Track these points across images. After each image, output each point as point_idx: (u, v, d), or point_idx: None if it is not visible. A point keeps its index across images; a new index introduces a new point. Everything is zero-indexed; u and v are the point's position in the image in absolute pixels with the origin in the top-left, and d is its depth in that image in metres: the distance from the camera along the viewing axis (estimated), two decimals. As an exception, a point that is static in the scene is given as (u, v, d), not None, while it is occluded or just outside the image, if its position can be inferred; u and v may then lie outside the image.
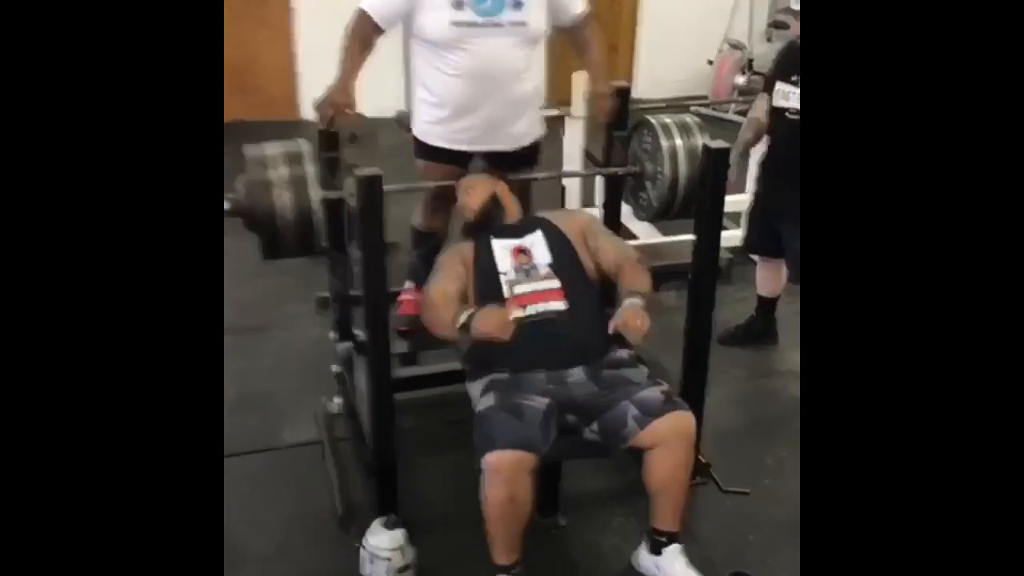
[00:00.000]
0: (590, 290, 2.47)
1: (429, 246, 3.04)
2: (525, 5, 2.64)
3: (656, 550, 2.25)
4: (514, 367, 2.29)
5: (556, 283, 2.40)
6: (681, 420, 2.18)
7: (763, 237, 3.25)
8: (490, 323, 2.19)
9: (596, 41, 2.88)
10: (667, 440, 2.16)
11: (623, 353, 2.37)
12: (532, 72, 2.81)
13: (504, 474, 2.06)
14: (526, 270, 2.43)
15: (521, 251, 2.47)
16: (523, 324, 2.27)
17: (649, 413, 2.15)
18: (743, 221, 4.12)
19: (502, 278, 2.41)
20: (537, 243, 2.49)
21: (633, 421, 2.15)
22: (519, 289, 2.38)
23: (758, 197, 3.30)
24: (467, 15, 2.60)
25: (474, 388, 2.33)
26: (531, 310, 2.33)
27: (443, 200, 2.96)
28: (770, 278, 3.37)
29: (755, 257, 3.49)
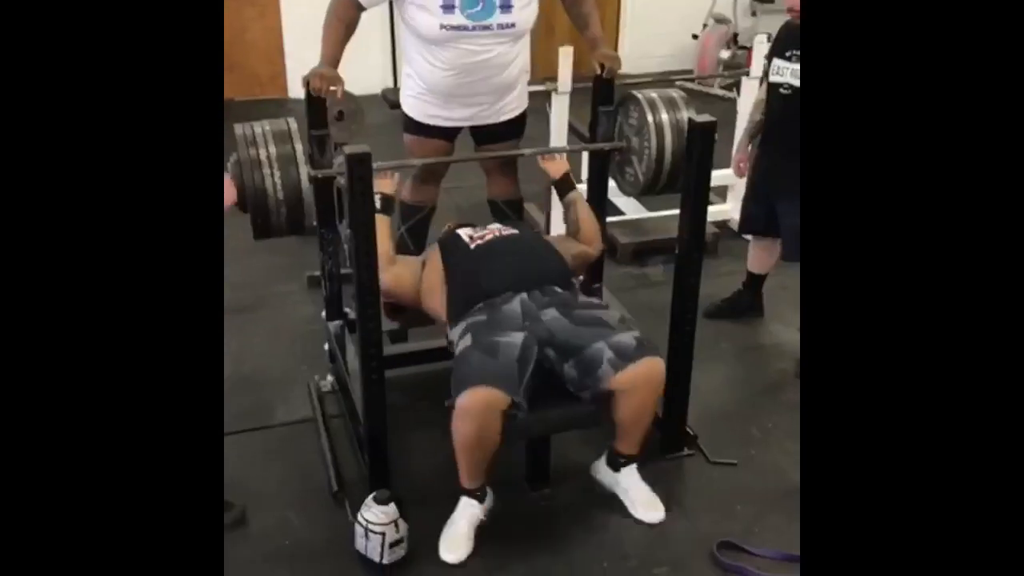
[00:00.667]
0: (548, 243, 2.71)
1: (417, 220, 3.07)
2: (515, 6, 2.64)
3: (615, 467, 2.47)
4: (486, 290, 2.42)
5: (511, 228, 2.69)
6: (653, 367, 2.30)
7: (760, 216, 3.25)
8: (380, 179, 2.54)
9: (595, 15, 2.90)
10: (639, 386, 2.28)
11: (593, 299, 2.56)
12: (518, 60, 2.83)
13: (472, 413, 2.17)
14: (484, 229, 2.69)
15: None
16: (481, 248, 2.54)
17: (624, 357, 2.26)
18: (728, 196, 4.16)
19: (465, 238, 2.62)
20: (495, 226, 2.73)
21: (608, 364, 2.25)
22: (477, 235, 2.62)
23: (753, 175, 3.30)
24: (457, 19, 2.61)
25: (454, 333, 2.41)
26: (487, 238, 2.59)
27: (431, 173, 2.98)
28: (763, 256, 3.38)
29: (747, 236, 3.50)
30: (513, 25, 2.69)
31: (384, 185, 2.55)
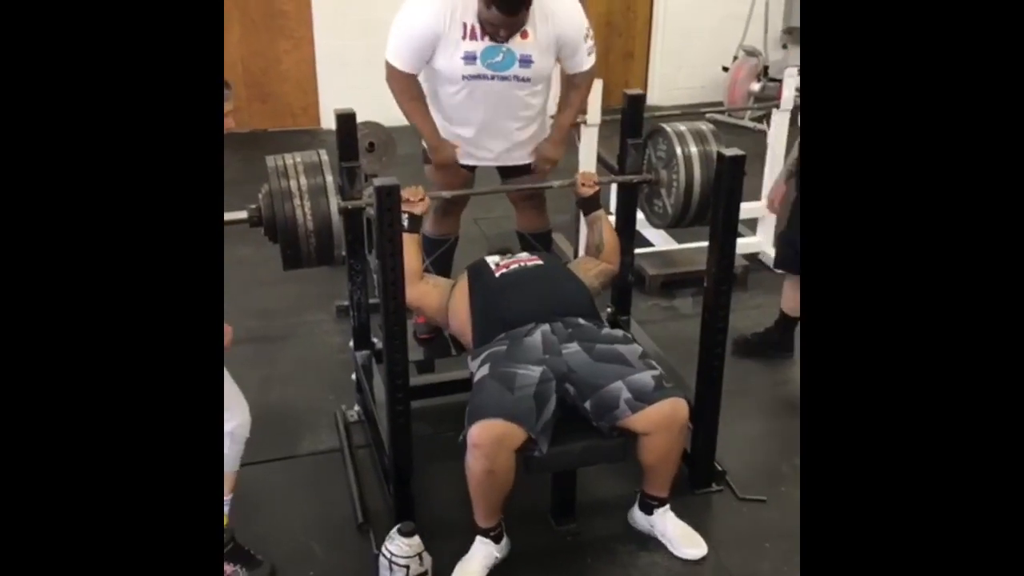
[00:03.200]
0: (572, 273, 2.68)
1: (442, 252, 3.07)
2: (535, 63, 2.70)
3: (648, 511, 2.47)
4: (508, 320, 2.42)
5: (536, 258, 2.68)
6: (675, 408, 2.27)
7: (790, 253, 3.20)
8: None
9: (574, 108, 2.94)
10: (660, 427, 2.26)
11: (616, 331, 2.51)
12: (535, 104, 2.87)
13: (483, 449, 2.16)
14: (510, 258, 2.69)
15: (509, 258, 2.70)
16: (506, 277, 2.55)
17: (641, 398, 2.24)
18: (758, 229, 4.14)
19: (491, 265, 2.62)
20: (523, 255, 2.73)
21: (625, 404, 2.23)
22: (503, 263, 2.62)
23: (789, 211, 3.28)
24: (477, 69, 2.70)
25: (474, 364, 2.42)
26: (512, 267, 2.59)
27: (452, 204, 2.99)
28: (793, 296, 3.29)
29: (780, 271, 3.46)
30: (529, 79, 2.77)
31: (413, 206, 2.55)
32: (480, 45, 2.64)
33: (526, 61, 2.70)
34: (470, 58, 2.66)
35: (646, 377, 2.28)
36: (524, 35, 2.64)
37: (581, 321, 2.46)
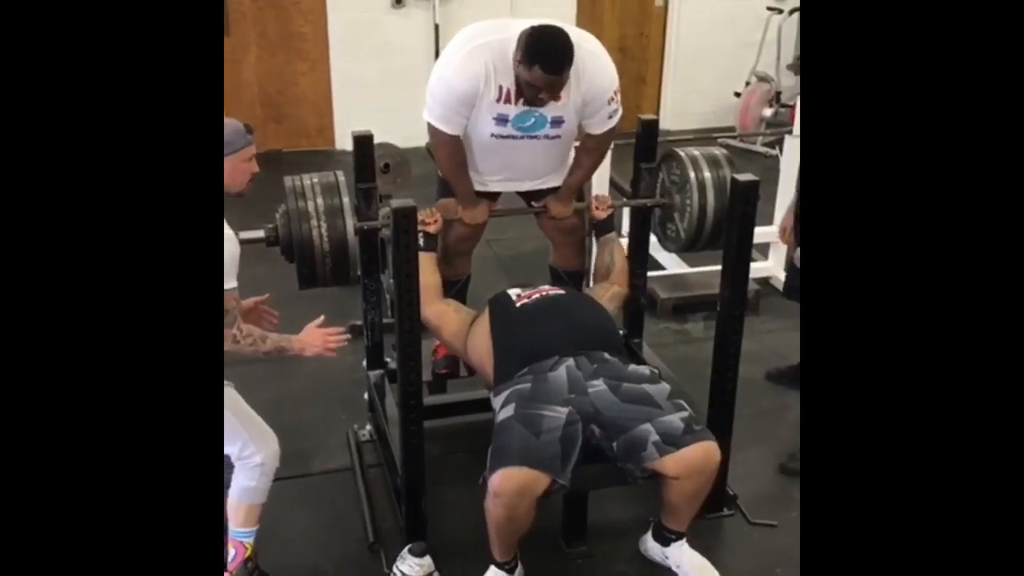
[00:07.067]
0: (594, 301, 2.66)
1: (452, 293, 2.99)
2: (565, 123, 2.63)
3: (664, 543, 2.43)
4: (532, 353, 2.38)
5: (558, 288, 2.68)
6: (707, 453, 2.23)
7: (797, 280, 3.21)
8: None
9: (584, 171, 2.82)
10: (692, 472, 2.22)
11: (644, 369, 2.45)
12: (563, 151, 2.80)
13: (504, 499, 2.13)
14: (532, 289, 2.65)
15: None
16: (527, 307, 2.51)
17: (671, 442, 2.19)
18: (770, 254, 4.14)
19: (512, 296, 2.59)
20: (544, 286, 2.70)
21: (653, 447, 2.19)
22: (524, 294, 2.59)
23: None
24: (507, 131, 2.61)
25: (496, 401, 2.38)
26: (534, 297, 2.55)
27: (462, 242, 2.94)
28: None
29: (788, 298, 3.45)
30: (559, 137, 2.69)
31: (428, 226, 2.56)
32: (514, 109, 2.56)
33: (557, 122, 2.62)
34: (502, 120, 2.59)
35: (675, 419, 2.23)
36: (557, 97, 2.52)
37: (607, 356, 2.41)
